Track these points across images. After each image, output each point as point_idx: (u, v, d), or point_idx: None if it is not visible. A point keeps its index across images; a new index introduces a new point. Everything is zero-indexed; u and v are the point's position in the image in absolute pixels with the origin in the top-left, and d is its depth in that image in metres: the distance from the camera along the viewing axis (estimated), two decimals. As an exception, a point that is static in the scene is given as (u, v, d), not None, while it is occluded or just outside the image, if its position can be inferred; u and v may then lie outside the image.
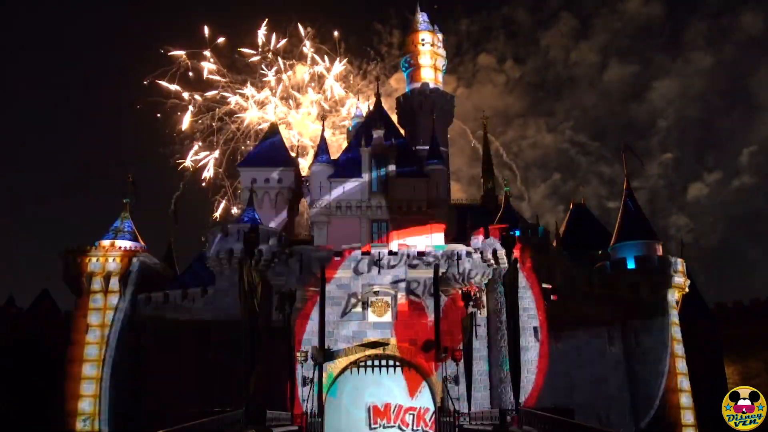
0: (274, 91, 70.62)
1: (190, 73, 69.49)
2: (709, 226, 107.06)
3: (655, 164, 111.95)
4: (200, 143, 68.83)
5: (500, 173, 79.75)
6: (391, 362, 45.06)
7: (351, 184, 47.56)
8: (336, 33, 72.64)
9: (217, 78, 69.75)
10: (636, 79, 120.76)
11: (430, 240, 46.14)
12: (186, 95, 69.18)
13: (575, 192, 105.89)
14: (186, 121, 68.87)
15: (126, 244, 46.68)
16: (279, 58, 70.99)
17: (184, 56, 69.36)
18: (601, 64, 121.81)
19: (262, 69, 70.33)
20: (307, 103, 71.44)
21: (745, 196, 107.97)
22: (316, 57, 71.87)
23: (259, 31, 71.44)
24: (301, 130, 69.88)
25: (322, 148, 49.79)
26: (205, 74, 69.49)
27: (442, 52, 64.16)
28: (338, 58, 72.01)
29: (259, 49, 70.85)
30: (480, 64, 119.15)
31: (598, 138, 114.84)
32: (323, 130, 53.48)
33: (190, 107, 69.10)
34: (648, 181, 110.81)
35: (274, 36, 71.52)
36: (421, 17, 64.09)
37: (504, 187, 51.64)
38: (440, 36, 64.44)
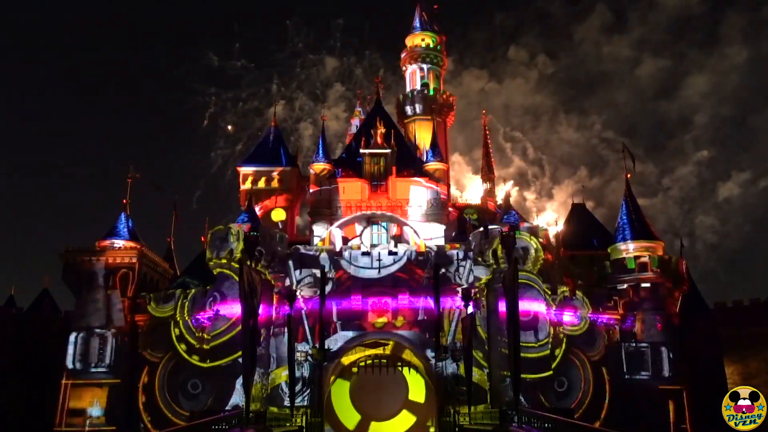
0: (299, 86, 70.17)
1: (216, 69, 68.94)
2: (736, 227, 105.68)
3: (689, 163, 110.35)
4: (223, 140, 68.50)
5: (529, 169, 79.33)
6: (391, 362, 45.22)
7: (351, 184, 47.54)
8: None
9: (243, 73, 69.32)
10: (669, 75, 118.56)
11: (430, 240, 46.11)
12: (211, 91, 68.69)
13: (603, 190, 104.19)
14: (208, 118, 68.52)
15: (126, 244, 46.61)
16: (307, 52, 70.15)
17: (212, 53, 68.98)
18: (634, 60, 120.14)
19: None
20: (334, 97, 70.99)
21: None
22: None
23: (288, 22, 70.66)
24: (326, 124, 69.54)
25: (322, 147, 49.79)
26: (232, 71, 68.91)
27: (442, 52, 63.87)
28: (367, 52, 71.31)
29: (288, 43, 70.23)
30: (512, 60, 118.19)
31: (628, 135, 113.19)
32: (323, 129, 53.38)
33: (213, 104, 68.76)
34: (680, 180, 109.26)
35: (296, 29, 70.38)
36: (418, 19, 63.79)
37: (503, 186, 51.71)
38: (441, 37, 64.17)
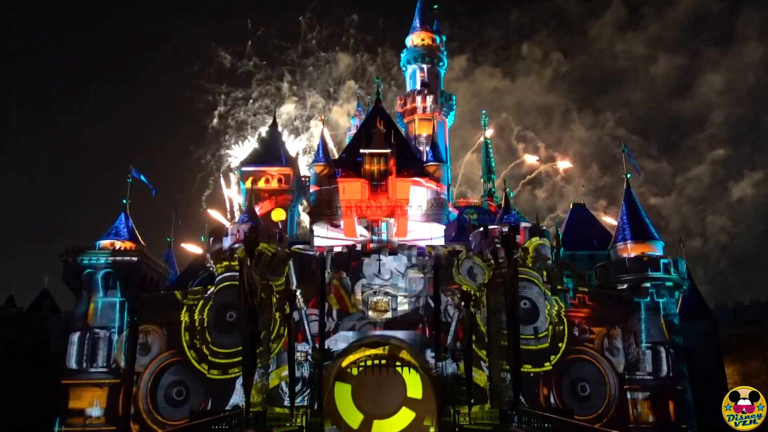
0: (312, 83, 69.78)
1: (228, 67, 68.46)
2: (748, 228, 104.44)
3: (703, 162, 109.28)
4: (233, 138, 68.20)
5: (540, 168, 78.78)
6: (391, 362, 45.24)
7: (351, 184, 47.49)
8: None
9: (254, 72, 68.96)
10: (684, 73, 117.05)
11: (430, 240, 46.10)
12: (221, 89, 68.30)
13: (617, 188, 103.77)
14: (217, 117, 68.25)
15: (126, 244, 46.62)
16: (320, 49, 69.85)
17: (223, 52, 68.58)
18: (649, 57, 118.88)
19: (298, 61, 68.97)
20: (347, 95, 70.71)
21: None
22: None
23: (301, 19, 70.29)
24: (338, 121, 69.31)
25: (322, 147, 49.74)
26: (243, 69, 68.44)
27: (442, 51, 63.69)
28: (380, 48, 71.01)
29: (301, 40, 69.94)
30: (526, 57, 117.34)
31: (642, 133, 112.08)
32: (323, 129, 53.37)
33: (223, 103, 68.43)
34: (694, 179, 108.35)
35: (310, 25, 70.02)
36: (418, 18, 63.60)
37: (505, 187, 51.62)
38: (442, 35, 64.01)
